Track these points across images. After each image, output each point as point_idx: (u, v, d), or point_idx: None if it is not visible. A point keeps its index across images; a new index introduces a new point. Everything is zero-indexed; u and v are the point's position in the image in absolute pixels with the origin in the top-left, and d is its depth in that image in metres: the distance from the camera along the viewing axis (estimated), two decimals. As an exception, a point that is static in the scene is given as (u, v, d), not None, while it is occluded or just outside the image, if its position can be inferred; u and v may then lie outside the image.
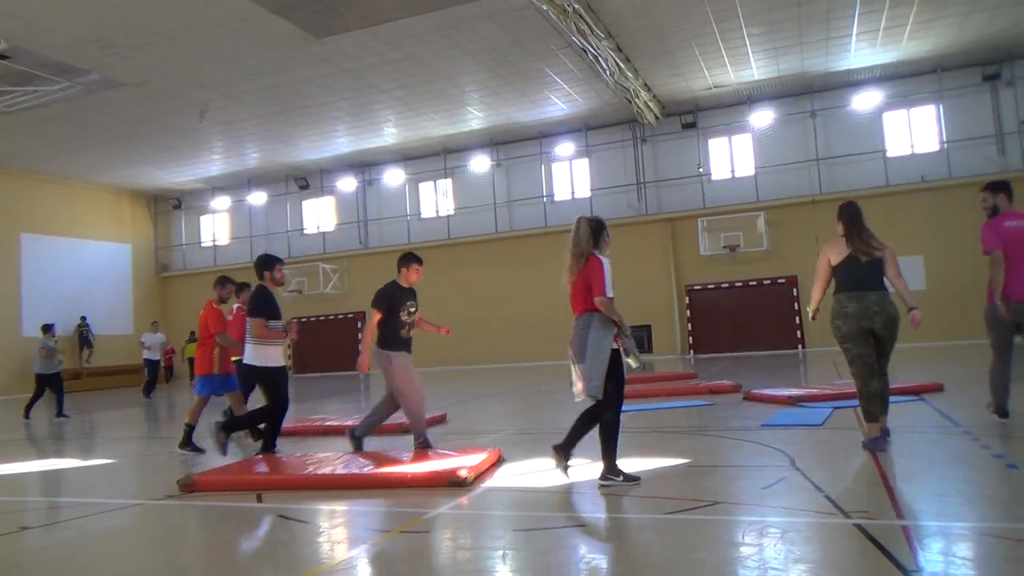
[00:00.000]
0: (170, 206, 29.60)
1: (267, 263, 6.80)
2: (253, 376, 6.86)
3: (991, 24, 17.27)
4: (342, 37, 15.68)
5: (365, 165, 26.51)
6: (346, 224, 27.22)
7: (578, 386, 4.87)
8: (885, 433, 5.52)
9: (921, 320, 5.34)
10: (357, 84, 18.49)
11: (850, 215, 5.58)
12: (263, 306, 6.65)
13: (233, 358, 8.08)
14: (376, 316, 6.44)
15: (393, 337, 6.45)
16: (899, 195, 20.32)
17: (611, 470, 4.82)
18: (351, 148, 24.46)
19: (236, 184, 28.11)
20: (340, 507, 4.77)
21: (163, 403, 16.48)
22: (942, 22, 16.97)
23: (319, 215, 27.96)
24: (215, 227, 29.65)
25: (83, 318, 24.54)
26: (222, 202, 28.77)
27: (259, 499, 4.98)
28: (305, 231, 28.09)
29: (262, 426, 7.84)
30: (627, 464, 5.42)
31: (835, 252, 5.58)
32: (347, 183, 26.80)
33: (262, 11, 14.20)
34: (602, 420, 4.85)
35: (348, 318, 26.28)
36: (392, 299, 6.46)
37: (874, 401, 5.43)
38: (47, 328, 14.04)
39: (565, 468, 5.03)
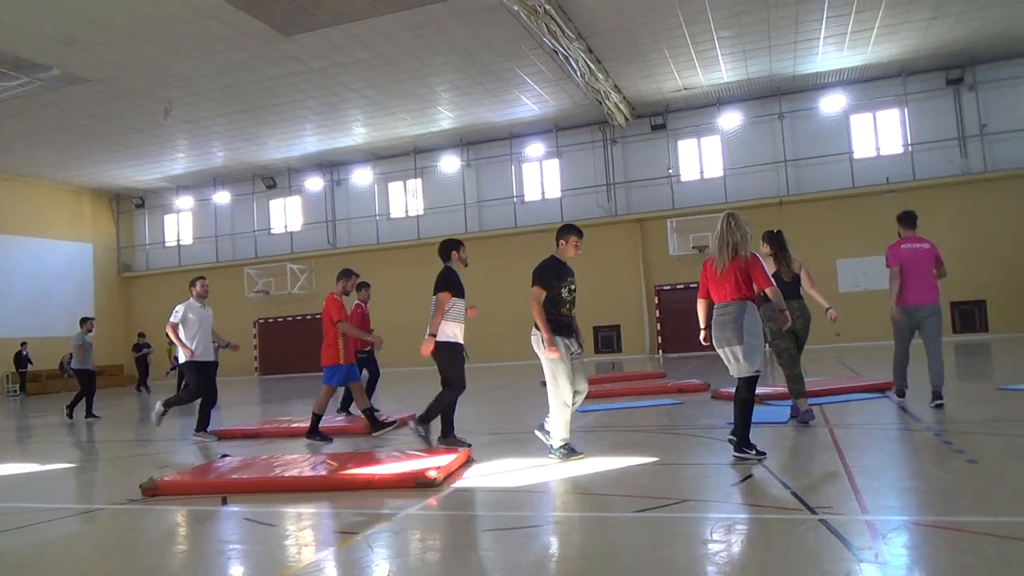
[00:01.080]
0: (133, 205, 29.10)
1: (454, 244, 6.81)
2: (435, 351, 6.52)
3: (954, 29, 17.65)
4: (312, 35, 15.54)
5: (333, 164, 26.29)
6: (314, 224, 26.97)
7: (735, 365, 5.32)
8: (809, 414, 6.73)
9: (838, 316, 7.03)
10: (326, 83, 18.33)
11: (779, 241, 6.96)
12: (452, 284, 6.52)
13: (357, 351, 8.41)
14: (541, 294, 5.74)
15: (552, 317, 5.78)
16: (865, 196, 20.67)
17: (745, 443, 5.23)
18: (319, 147, 24.25)
19: (201, 183, 27.70)
20: (307, 509, 4.70)
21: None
22: (907, 27, 17.30)
23: (286, 215, 27.68)
24: (179, 227, 29.21)
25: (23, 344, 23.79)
26: (186, 201, 28.34)
27: (224, 502, 4.89)
28: (272, 231, 27.78)
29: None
30: (598, 463, 5.44)
31: (767, 266, 6.50)
32: (315, 183, 26.57)
33: (230, 8, 14.01)
34: (738, 396, 5.30)
35: (316, 318, 25.76)
36: (553, 274, 5.81)
37: (798, 381, 6.80)
38: (84, 321, 12.72)
39: (759, 454, 5.18)
